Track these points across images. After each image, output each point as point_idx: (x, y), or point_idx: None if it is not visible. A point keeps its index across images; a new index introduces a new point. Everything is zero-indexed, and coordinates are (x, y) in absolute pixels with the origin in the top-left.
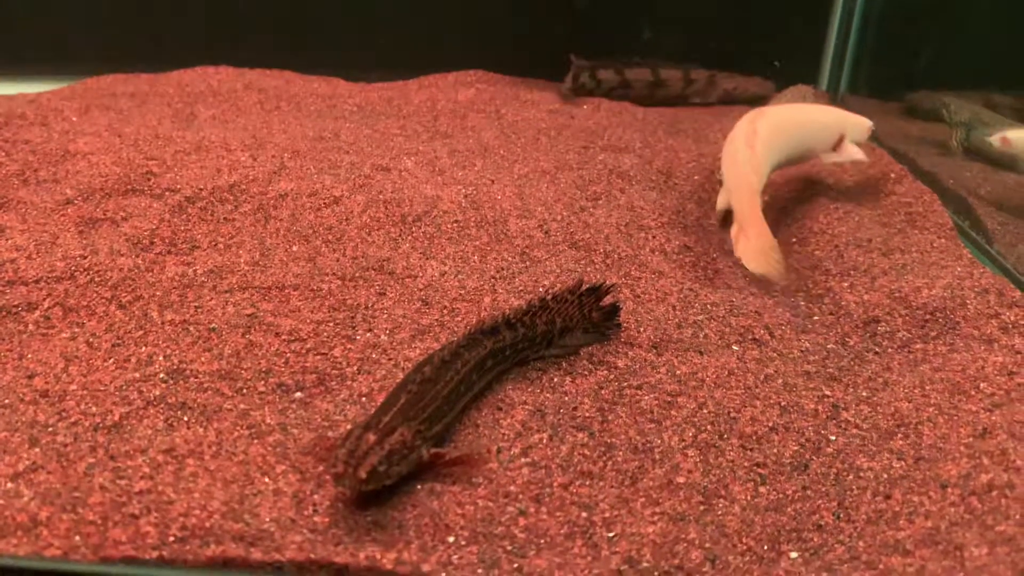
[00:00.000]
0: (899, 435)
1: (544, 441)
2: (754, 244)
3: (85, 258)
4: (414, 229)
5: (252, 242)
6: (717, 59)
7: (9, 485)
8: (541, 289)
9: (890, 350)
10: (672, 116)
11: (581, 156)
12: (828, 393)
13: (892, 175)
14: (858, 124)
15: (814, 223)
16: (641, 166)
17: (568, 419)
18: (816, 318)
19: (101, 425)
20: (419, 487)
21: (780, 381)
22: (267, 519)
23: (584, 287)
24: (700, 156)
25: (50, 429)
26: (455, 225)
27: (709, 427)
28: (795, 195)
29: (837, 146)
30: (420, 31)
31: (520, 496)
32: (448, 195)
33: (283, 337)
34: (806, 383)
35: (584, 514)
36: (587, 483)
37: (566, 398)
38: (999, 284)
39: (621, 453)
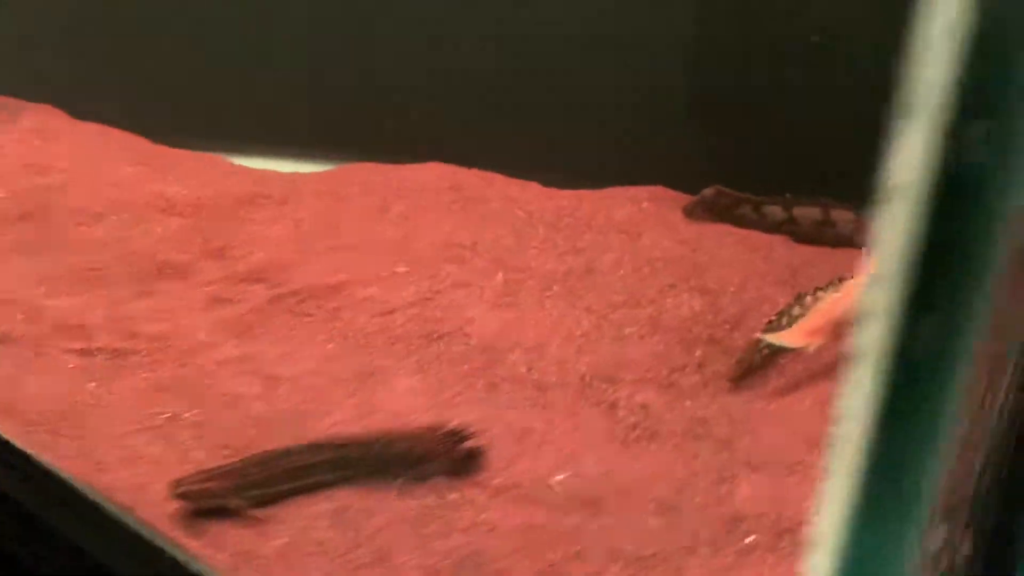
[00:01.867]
0: None
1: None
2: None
3: (169, 333)
4: (431, 349)
5: (297, 337)
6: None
7: None
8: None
9: None
10: (808, 258)
11: (660, 294)
12: None
13: None
14: None
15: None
16: (706, 311)
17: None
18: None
19: None
20: None
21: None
22: None
23: (449, 427)
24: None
25: None
26: (465, 347)
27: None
28: None
29: None
30: (629, 141)
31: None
32: (486, 320)
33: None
34: None
35: None
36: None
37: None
38: None
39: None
